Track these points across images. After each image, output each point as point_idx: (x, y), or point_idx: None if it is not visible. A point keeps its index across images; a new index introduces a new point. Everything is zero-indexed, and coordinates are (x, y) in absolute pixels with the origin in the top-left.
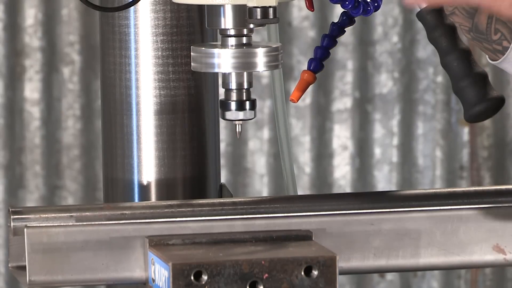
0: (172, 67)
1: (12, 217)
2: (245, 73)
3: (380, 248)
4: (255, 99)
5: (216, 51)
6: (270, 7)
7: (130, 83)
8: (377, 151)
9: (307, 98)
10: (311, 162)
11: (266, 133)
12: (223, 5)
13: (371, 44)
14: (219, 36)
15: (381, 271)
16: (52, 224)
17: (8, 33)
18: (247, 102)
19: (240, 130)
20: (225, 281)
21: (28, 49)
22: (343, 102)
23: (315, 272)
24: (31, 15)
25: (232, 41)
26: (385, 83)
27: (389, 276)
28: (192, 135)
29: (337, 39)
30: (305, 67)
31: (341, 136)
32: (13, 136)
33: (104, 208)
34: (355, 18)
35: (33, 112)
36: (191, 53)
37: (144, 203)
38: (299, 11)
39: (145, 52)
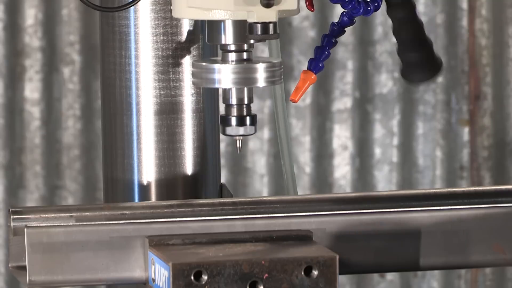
0: (172, 67)
1: (12, 217)
2: (245, 89)
3: (380, 248)
4: (256, 115)
5: (216, 66)
6: (270, 22)
7: (130, 83)
8: (377, 151)
9: (307, 98)
10: (311, 162)
11: (266, 133)
12: (223, 21)
13: (371, 44)
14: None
15: (381, 271)
16: (52, 224)
17: (8, 33)
18: (248, 118)
19: (240, 145)
20: (225, 281)
21: (28, 49)
22: (343, 102)
23: (315, 272)
24: (31, 15)
25: (232, 56)
26: (385, 83)
27: (389, 276)
28: (192, 135)
29: (337, 39)
30: (305, 67)
31: (341, 136)
32: (13, 136)
33: (104, 208)
34: (355, 18)
35: (33, 112)
36: (192, 68)
37: (144, 203)
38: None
39: (145, 52)
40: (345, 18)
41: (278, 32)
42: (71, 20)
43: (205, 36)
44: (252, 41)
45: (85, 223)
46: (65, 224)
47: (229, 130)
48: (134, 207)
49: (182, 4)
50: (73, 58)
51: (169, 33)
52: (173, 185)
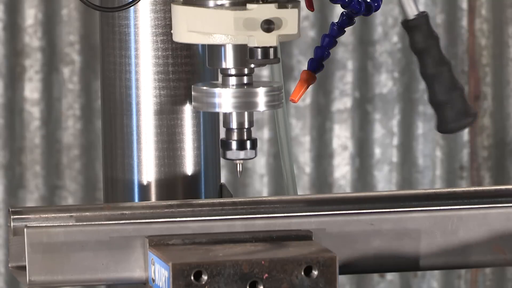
0: (172, 67)
1: (12, 217)
2: (246, 113)
3: (380, 248)
4: (256, 139)
5: (217, 90)
6: (271, 47)
7: (130, 83)
8: (377, 151)
9: (307, 98)
10: (311, 162)
11: (266, 133)
12: (224, 45)
13: (371, 44)
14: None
15: (381, 271)
16: (52, 224)
17: (8, 33)
18: (248, 142)
19: (241, 169)
20: (225, 281)
21: (28, 49)
22: (343, 102)
23: (315, 272)
24: (31, 15)
25: (233, 80)
26: (385, 83)
27: (389, 276)
28: (192, 135)
29: (337, 39)
30: (305, 67)
31: (341, 136)
32: (13, 136)
33: (104, 208)
34: (355, 18)
35: (33, 112)
36: (192, 92)
37: (144, 203)
38: None
39: (145, 52)
40: (345, 18)
41: (279, 56)
42: (71, 20)
43: (205, 60)
44: (252, 66)
45: (85, 223)
46: (65, 224)
47: (229, 154)
48: (134, 207)
49: (183, 28)
50: (73, 58)
51: (169, 33)
52: (173, 185)
